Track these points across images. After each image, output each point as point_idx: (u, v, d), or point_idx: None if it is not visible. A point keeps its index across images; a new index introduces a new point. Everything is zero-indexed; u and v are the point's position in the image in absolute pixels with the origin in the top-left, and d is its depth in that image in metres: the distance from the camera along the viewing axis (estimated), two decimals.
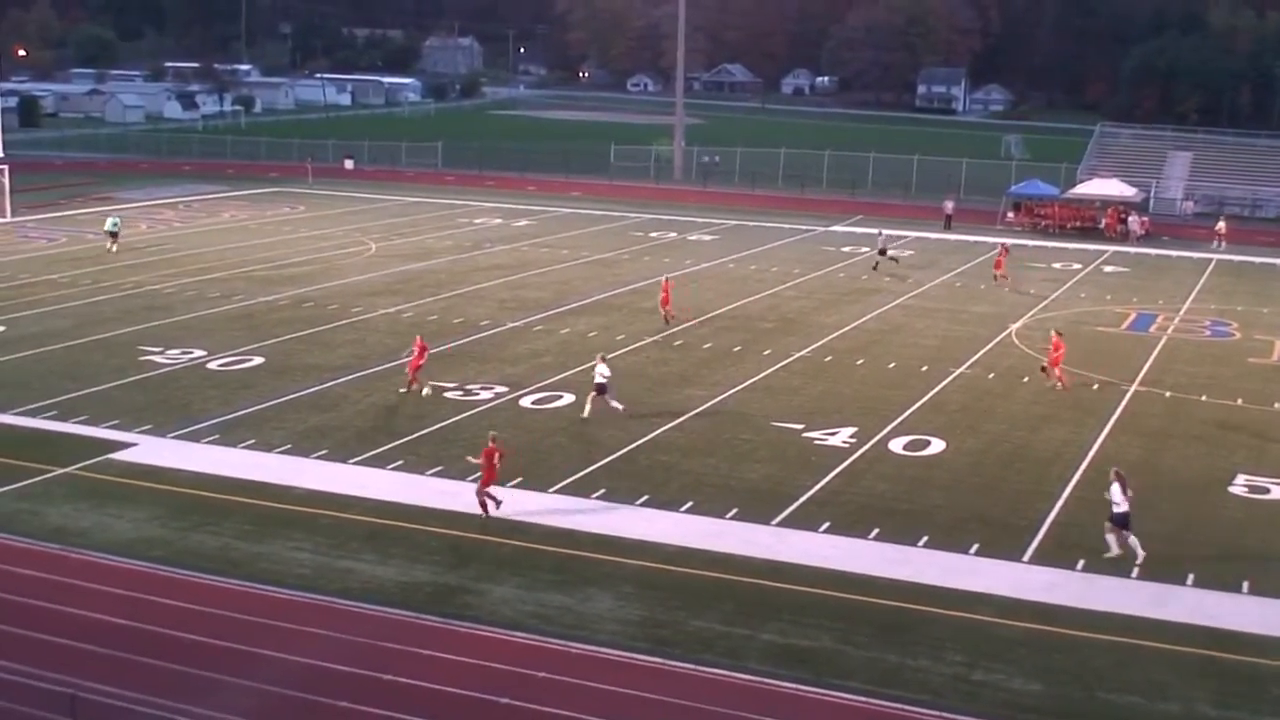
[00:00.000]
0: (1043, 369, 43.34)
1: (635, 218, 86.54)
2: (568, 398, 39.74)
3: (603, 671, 22.65)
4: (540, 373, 42.77)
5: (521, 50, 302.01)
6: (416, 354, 39.92)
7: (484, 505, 29.68)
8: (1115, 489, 28.25)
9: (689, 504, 30.99)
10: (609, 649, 23.42)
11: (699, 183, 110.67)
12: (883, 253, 67.58)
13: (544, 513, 30.14)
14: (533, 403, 39.35)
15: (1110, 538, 28.39)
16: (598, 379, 37.92)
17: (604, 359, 38.85)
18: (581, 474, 32.80)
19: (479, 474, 29.73)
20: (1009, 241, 74.65)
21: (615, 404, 37.66)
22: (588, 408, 37.81)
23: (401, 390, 39.63)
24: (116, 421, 35.98)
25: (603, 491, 31.62)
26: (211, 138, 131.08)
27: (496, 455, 29.65)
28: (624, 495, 31.39)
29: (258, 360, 43.53)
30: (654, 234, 78.87)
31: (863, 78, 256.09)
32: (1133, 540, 28.19)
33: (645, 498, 31.31)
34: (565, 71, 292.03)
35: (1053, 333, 44.49)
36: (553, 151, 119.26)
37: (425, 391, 39.46)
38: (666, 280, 53.48)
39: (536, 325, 50.17)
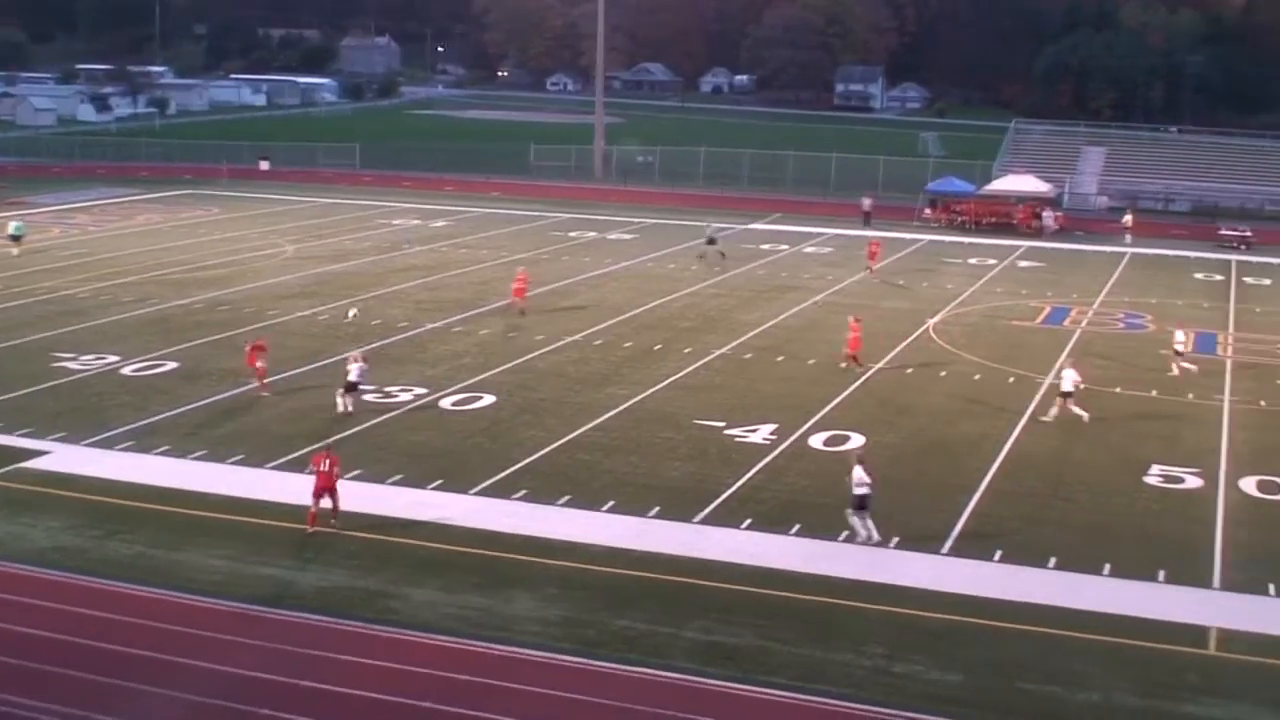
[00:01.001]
0: (848, 355, 44.32)
1: (555, 217, 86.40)
2: (488, 399, 39.60)
3: (526, 673, 22.55)
4: (460, 374, 42.56)
5: (439, 50, 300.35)
6: (250, 353, 39.96)
7: (314, 517, 28.70)
8: (858, 471, 28.68)
9: (611, 503, 30.95)
10: (532, 650, 23.32)
11: (619, 182, 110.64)
12: (711, 242, 68.34)
13: (465, 514, 29.97)
14: (453, 404, 39.14)
15: (854, 520, 28.81)
16: (351, 376, 37.84)
17: (363, 357, 39.06)
18: (502, 475, 32.66)
19: (401, 477, 29.51)
20: (879, 235, 75.59)
21: (343, 404, 37.69)
22: (342, 404, 37.68)
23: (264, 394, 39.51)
24: (29, 429, 35.36)
25: (524, 492, 31.50)
26: (125, 140, 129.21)
27: (328, 462, 28.68)
28: (545, 496, 31.30)
29: (172, 365, 42.98)
30: (573, 233, 78.78)
31: (781, 76, 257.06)
32: (869, 523, 28.65)
33: (567, 498, 31.23)
34: (484, 71, 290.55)
35: (850, 318, 45.59)
36: (471, 151, 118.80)
37: (264, 393, 39.37)
38: (522, 271, 54.38)
39: (456, 326, 49.93)
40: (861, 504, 28.64)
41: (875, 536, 28.67)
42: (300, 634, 23.78)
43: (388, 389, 40.28)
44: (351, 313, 36.09)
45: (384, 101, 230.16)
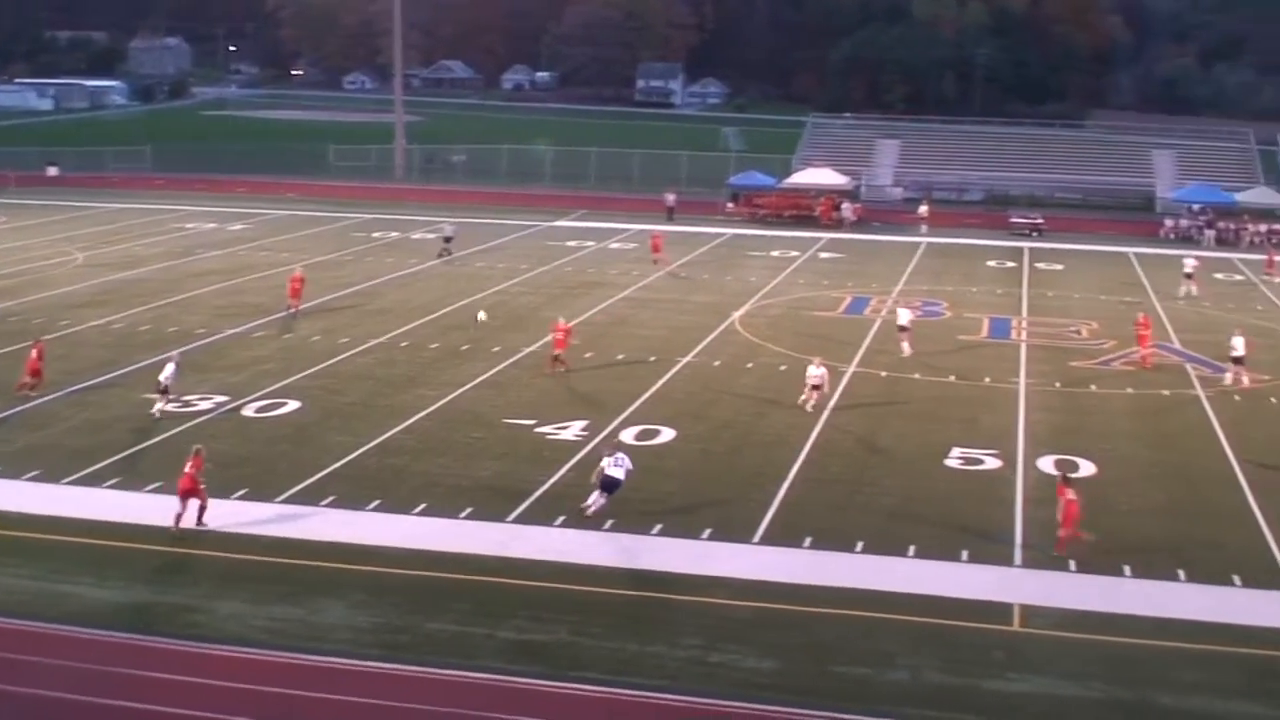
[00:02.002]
0: (554, 358, 43.56)
1: (356, 218, 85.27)
2: (293, 404, 38.87)
3: (338, 682, 22.16)
4: (262, 380, 41.66)
5: (232, 49, 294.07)
6: (35, 357, 39.11)
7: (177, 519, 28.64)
8: (611, 460, 29.70)
9: (422, 506, 30.60)
10: (343, 659, 22.92)
11: (421, 181, 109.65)
12: (448, 240, 68.94)
13: (272, 523, 29.35)
14: (256, 411, 38.32)
15: (596, 495, 29.62)
16: (162, 376, 37.55)
17: (178, 359, 39.07)
18: (309, 481, 32.06)
19: (203, 487, 28.76)
20: (663, 229, 76.42)
21: (160, 408, 37.31)
22: (159, 409, 37.26)
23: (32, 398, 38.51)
24: None
25: (332, 498, 30.97)
26: None
27: (191, 464, 28.65)
28: (354, 501, 30.81)
29: None
30: (376, 234, 77.83)
31: (582, 73, 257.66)
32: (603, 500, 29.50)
33: (376, 502, 30.79)
34: (278, 70, 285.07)
35: (559, 319, 45.13)
36: (268, 152, 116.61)
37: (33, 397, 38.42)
38: (299, 272, 54.04)
39: (257, 331, 48.90)
40: (611, 488, 29.56)
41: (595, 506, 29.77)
42: (104, 652, 23.00)
43: (187, 398, 39.21)
44: (481, 315, 34.04)
45: (176, 103, 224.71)
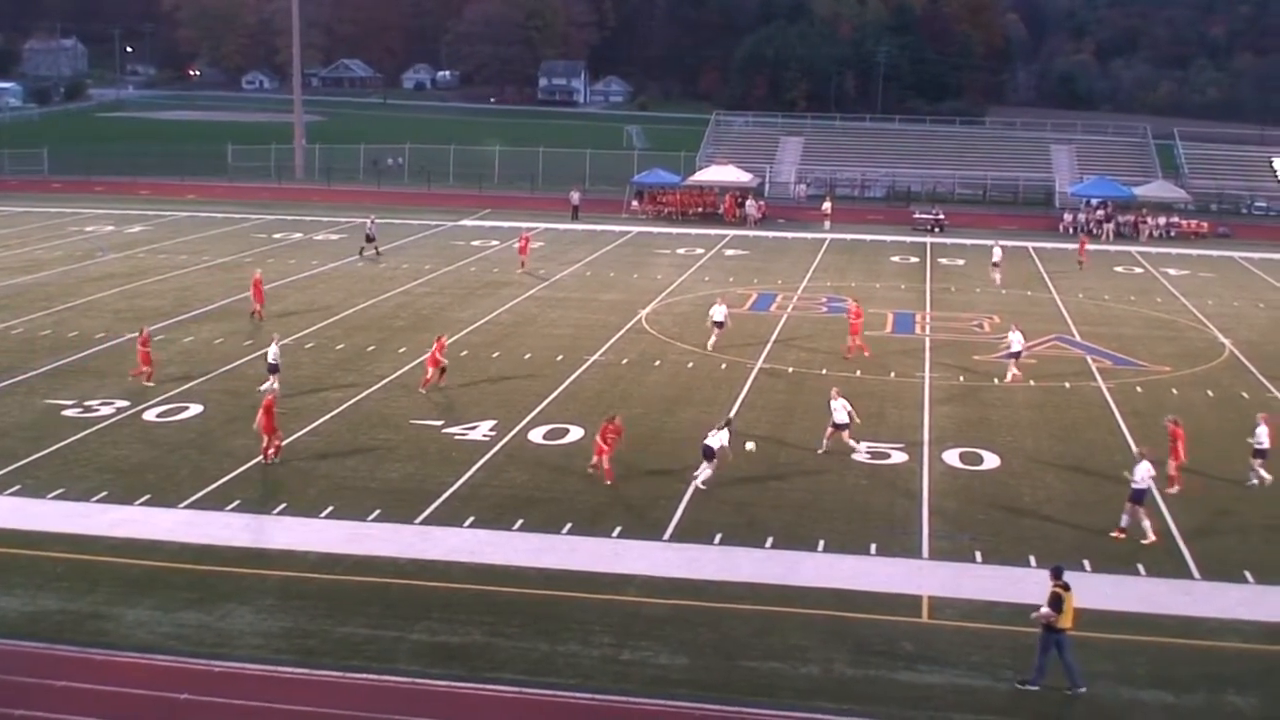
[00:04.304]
0: (437, 369, 41.59)
1: (257, 219, 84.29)
2: (195, 409, 38.35)
3: (248, 688, 21.92)
4: (163, 384, 41.00)
5: (129, 50, 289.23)
6: None
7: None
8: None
9: (329, 509, 30.33)
10: (253, 664, 22.67)
11: (322, 181, 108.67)
12: (370, 239, 68.67)
13: (177, 529, 28.94)
14: (158, 415, 37.75)
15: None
16: (270, 360, 39.31)
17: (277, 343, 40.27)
18: (214, 486, 31.66)
19: (106, 494, 28.31)
20: (531, 227, 76.61)
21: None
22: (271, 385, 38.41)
23: None
24: None
25: (238, 503, 30.61)
26: None
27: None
28: (260, 505, 30.49)
29: None
30: (278, 235, 77.00)
31: (484, 72, 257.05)
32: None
33: (283, 506, 30.47)
34: (176, 71, 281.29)
35: (438, 338, 42.28)
36: (166, 154, 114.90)
37: None
38: (258, 274, 53.62)
39: (158, 335, 48.10)
40: None
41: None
42: (9, 662, 22.57)
43: (88, 403, 38.60)
44: (749, 446, 33.62)
45: (72, 105, 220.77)
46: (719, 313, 47.66)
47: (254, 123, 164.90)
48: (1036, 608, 22.76)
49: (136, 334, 43.04)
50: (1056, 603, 22.25)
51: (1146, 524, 29.35)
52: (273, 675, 22.37)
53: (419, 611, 24.92)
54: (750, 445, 33.41)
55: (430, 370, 41.11)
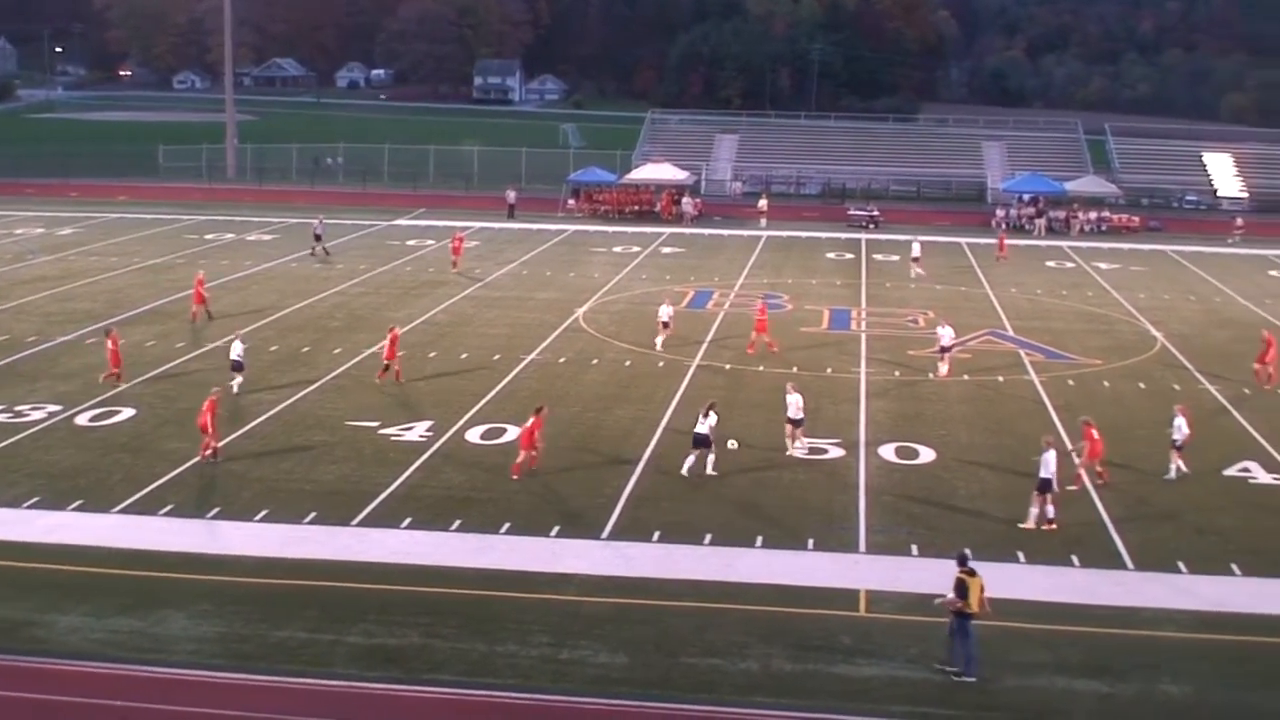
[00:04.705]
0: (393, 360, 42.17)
1: (189, 220, 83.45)
2: (127, 412, 37.94)
3: (182, 694, 21.71)
4: (96, 388, 40.57)
5: (58, 50, 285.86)
6: None
7: None
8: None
9: (264, 512, 30.09)
10: (188, 670, 22.45)
11: (255, 181, 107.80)
12: (318, 238, 68.52)
13: (110, 534, 28.62)
14: (90, 420, 37.32)
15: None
16: (235, 358, 39.88)
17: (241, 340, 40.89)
18: (147, 490, 31.33)
19: (38, 499, 27.93)
20: (466, 226, 76.78)
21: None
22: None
23: None
24: None
25: (171, 507, 30.30)
26: None
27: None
28: (194, 509, 30.19)
29: None
30: (210, 236, 76.27)
31: (418, 70, 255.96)
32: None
33: (217, 510, 30.20)
34: (106, 71, 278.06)
35: (391, 329, 43.23)
36: (97, 155, 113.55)
37: None
38: (200, 275, 53.27)
39: (88, 338, 47.59)
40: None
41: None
42: None
43: (18, 408, 38.11)
44: (731, 444, 34.60)
45: (2, 106, 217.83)
46: (665, 312, 48.08)
47: (185, 123, 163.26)
48: (941, 595, 23.07)
49: (104, 335, 42.57)
50: (961, 589, 22.59)
51: (1034, 511, 29.90)
52: (208, 680, 22.16)
53: (356, 614, 24.76)
54: (732, 443, 33.95)
55: (387, 361, 41.83)
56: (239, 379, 40.08)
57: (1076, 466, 32.57)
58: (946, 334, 44.81)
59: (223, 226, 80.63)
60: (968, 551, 23.72)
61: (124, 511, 30.07)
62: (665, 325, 47.70)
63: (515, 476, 32.54)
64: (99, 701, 21.43)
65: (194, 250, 70.33)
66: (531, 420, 33.04)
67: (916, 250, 67.16)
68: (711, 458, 32.91)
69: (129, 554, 27.55)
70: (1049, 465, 29.78)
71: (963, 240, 79.04)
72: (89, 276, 61.08)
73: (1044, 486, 29.83)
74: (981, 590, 22.74)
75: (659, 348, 46.76)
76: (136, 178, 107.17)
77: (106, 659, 22.85)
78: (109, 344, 40.94)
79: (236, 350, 40.49)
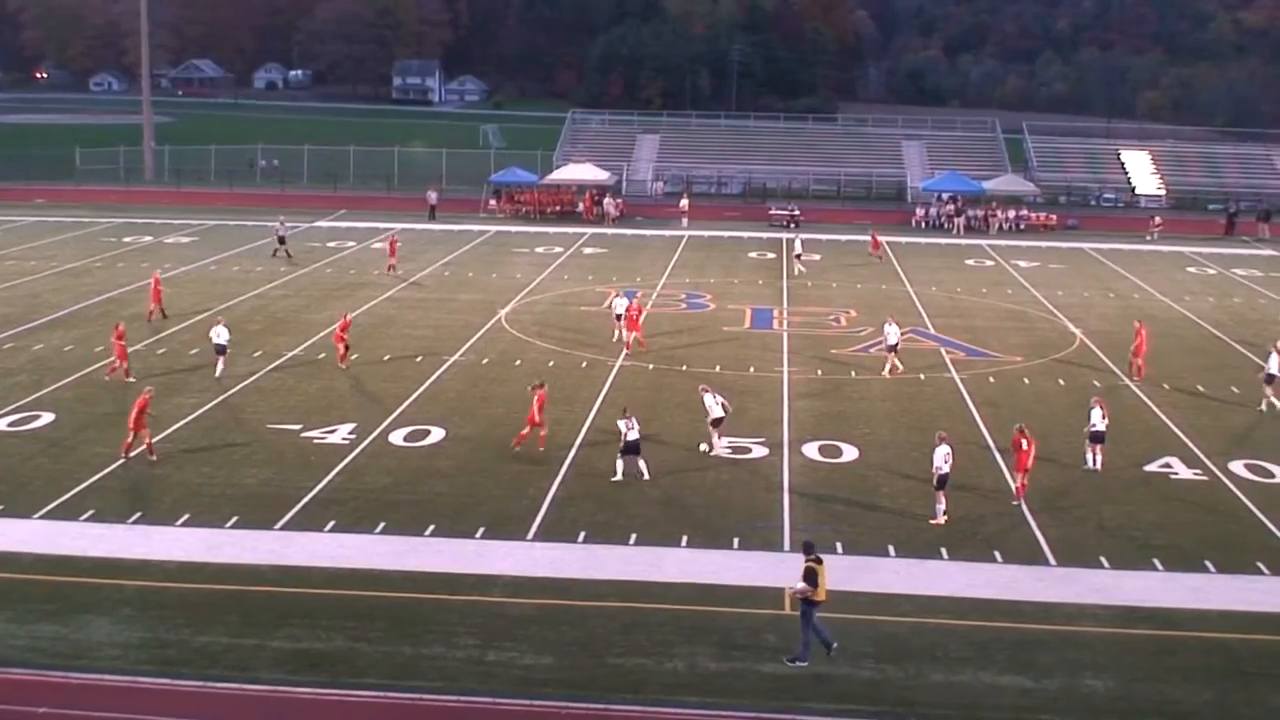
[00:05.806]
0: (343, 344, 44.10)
1: (106, 223, 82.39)
2: (47, 417, 37.47)
3: (107, 699, 21.53)
4: (13, 393, 40.05)
5: None
6: None
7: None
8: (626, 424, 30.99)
9: (186, 516, 29.86)
10: (111, 676, 22.26)
11: (173, 183, 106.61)
12: (281, 240, 68.19)
13: (30, 540, 28.30)
14: (8, 425, 36.82)
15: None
16: (219, 342, 41.80)
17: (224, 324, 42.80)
18: (67, 496, 30.99)
19: None
20: (389, 228, 77.13)
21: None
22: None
23: None
24: None
25: (92, 512, 30.00)
26: None
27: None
28: (115, 514, 29.91)
29: None
30: (128, 239, 75.36)
31: (337, 70, 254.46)
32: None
33: (138, 514, 29.93)
34: (21, 73, 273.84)
35: (344, 316, 45.74)
36: (12, 158, 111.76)
37: None
38: (156, 273, 53.37)
39: (6, 343, 46.96)
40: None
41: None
42: None
43: None
44: (702, 448, 34.70)
45: None
46: (620, 305, 48.92)
47: (102, 125, 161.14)
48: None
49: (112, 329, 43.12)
50: (811, 577, 23.06)
51: (940, 506, 30.32)
52: (132, 686, 21.99)
53: (280, 619, 24.64)
54: (704, 446, 34.31)
55: (340, 347, 43.60)
56: (222, 362, 42.39)
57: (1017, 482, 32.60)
58: (893, 332, 45.15)
59: (141, 229, 79.69)
60: (812, 540, 24.33)
61: (45, 517, 29.74)
62: (619, 319, 48.54)
63: (515, 446, 34.70)
64: (21, 708, 21.19)
65: (112, 253, 69.51)
66: (536, 397, 34.63)
67: (798, 247, 69.05)
68: (642, 462, 32.96)
69: (50, 559, 27.28)
70: (938, 459, 30.29)
71: (883, 239, 79.56)
72: (5, 281, 60.18)
73: (940, 482, 30.32)
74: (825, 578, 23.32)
75: (618, 341, 48.28)
76: (53, 181, 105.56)
77: (28, 665, 22.64)
78: (115, 340, 41.93)
79: (221, 335, 42.51)
